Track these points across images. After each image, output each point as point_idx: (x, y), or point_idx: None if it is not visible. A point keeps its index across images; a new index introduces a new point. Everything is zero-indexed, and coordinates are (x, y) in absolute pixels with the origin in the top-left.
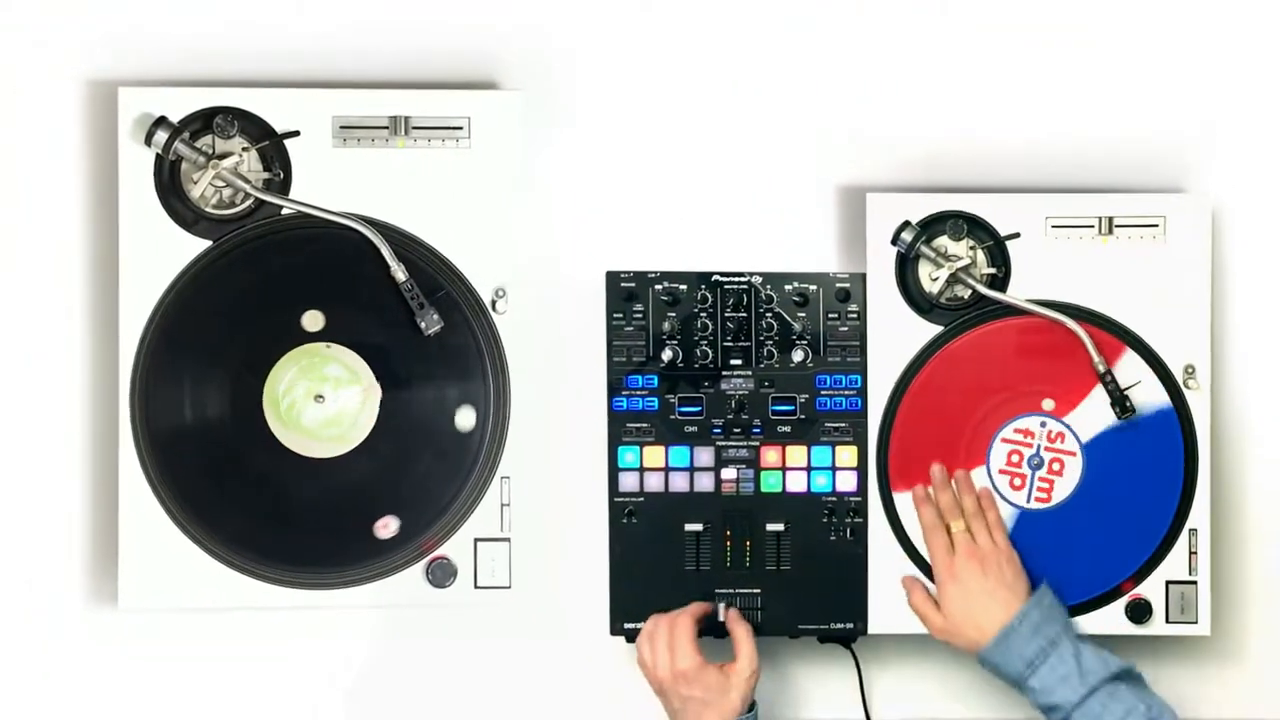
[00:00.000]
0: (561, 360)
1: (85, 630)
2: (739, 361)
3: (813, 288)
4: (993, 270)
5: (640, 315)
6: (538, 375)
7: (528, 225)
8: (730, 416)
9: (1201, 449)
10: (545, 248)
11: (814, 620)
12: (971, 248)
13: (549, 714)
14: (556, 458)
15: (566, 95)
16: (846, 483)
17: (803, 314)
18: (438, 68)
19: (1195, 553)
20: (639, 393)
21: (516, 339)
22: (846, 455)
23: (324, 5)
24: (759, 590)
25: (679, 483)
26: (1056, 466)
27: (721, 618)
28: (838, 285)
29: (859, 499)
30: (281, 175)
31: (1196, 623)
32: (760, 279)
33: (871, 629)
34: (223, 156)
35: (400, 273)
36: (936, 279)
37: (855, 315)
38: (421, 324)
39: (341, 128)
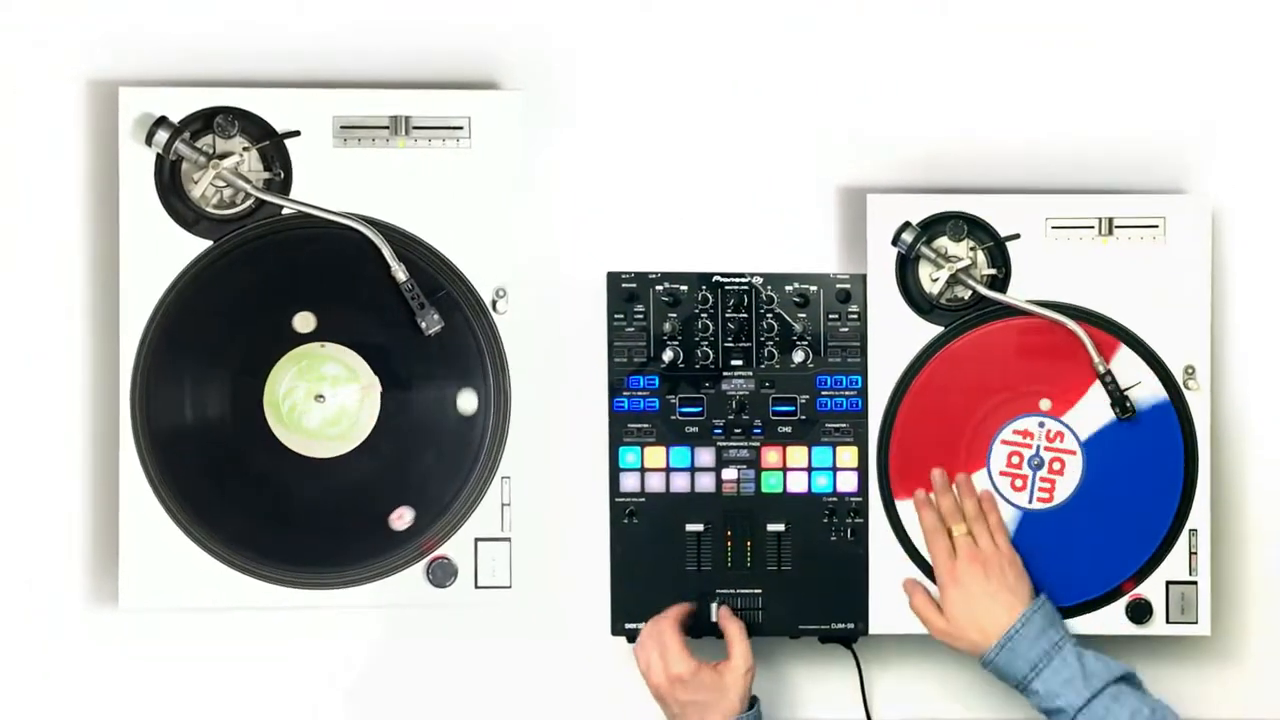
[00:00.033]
0: (562, 360)
1: (86, 630)
2: (740, 362)
3: (813, 288)
4: (993, 271)
5: (641, 316)
6: (538, 375)
7: (528, 225)
8: (731, 417)
9: (1201, 449)
10: (546, 248)
11: (815, 620)
12: (972, 248)
13: (549, 714)
14: (557, 457)
15: (566, 95)
16: (847, 483)
17: (803, 315)
18: (438, 68)
19: (1195, 553)
20: (640, 393)
21: (517, 339)
22: (847, 456)
23: (324, 5)
24: (760, 590)
25: (680, 483)
26: (1057, 466)
27: (715, 618)
28: (838, 286)
29: (859, 499)
30: (282, 175)
31: (1197, 623)
32: (761, 280)
33: (872, 629)
34: (223, 156)
35: (401, 273)
36: (937, 280)
37: (856, 316)
38: (422, 324)
39: (342, 128)
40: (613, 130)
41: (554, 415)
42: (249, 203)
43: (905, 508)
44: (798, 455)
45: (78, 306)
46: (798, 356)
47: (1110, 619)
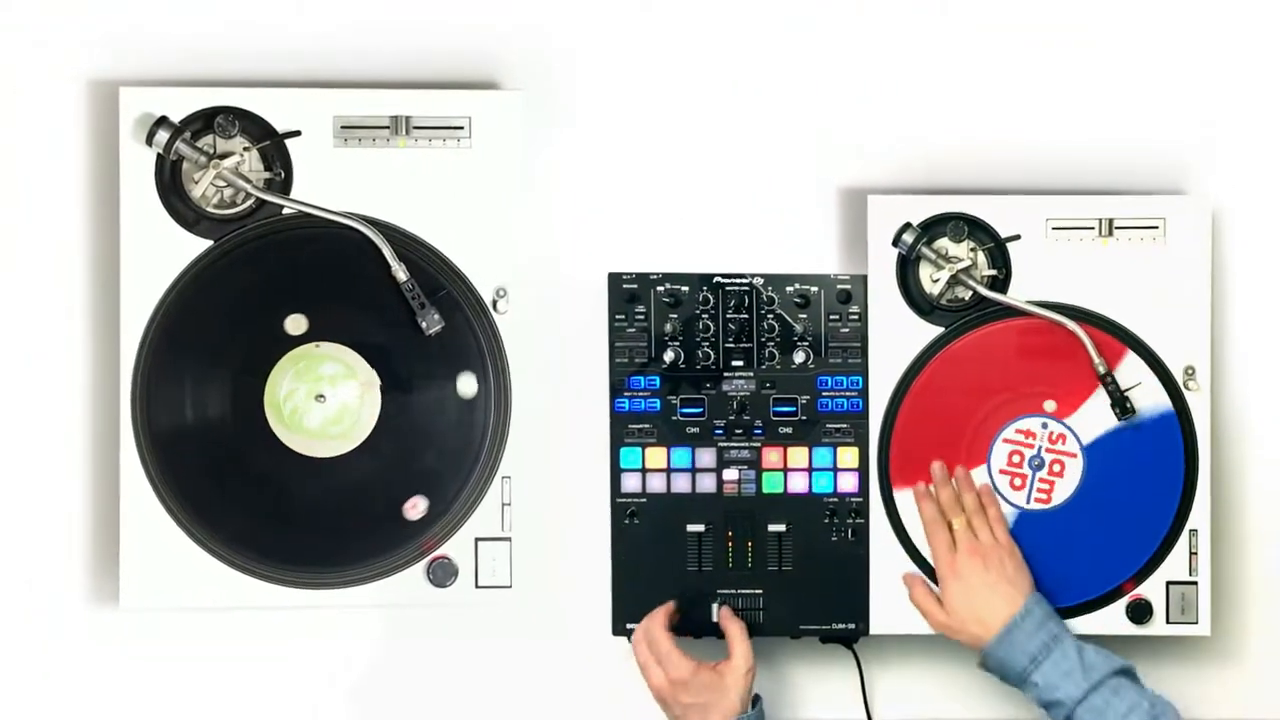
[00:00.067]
0: (562, 359)
1: (86, 630)
2: (741, 363)
3: (814, 289)
4: (993, 272)
5: (642, 317)
6: (539, 374)
7: (529, 225)
8: (732, 418)
9: (1201, 449)
10: (546, 248)
11: (815, 621)
12: (972, 249)
13: (550, 714)
14: (557, 457)
15: (567, 95)
16: (848, 484)
17: (804, 315)
18: (438, 68)
19: (1195, 553)
20: (641, 394)
21: (517, 338)
22: (848, 456)
23: (324, 5)
24: (761, 591)
25: (681, 484)
26: (1057, 468)
27: (716, 618)
28: (839, 287)
29: (860, 500)
30: (282, 175)
31: (1197, 623)
32: (762, 280)
33: (873, 629)
34: (224, 156)
35: (401, 273)
36: (937, 280)
37: (856, 317)
38: (423, 324)
39: (342, 128)
40: (613, 130)
41: (554, 415)
42: (249, 203)
43: (904, 498)
44: (798, 456)
45: (78, 306)
46: (798, 357)
47: (1110, 619)
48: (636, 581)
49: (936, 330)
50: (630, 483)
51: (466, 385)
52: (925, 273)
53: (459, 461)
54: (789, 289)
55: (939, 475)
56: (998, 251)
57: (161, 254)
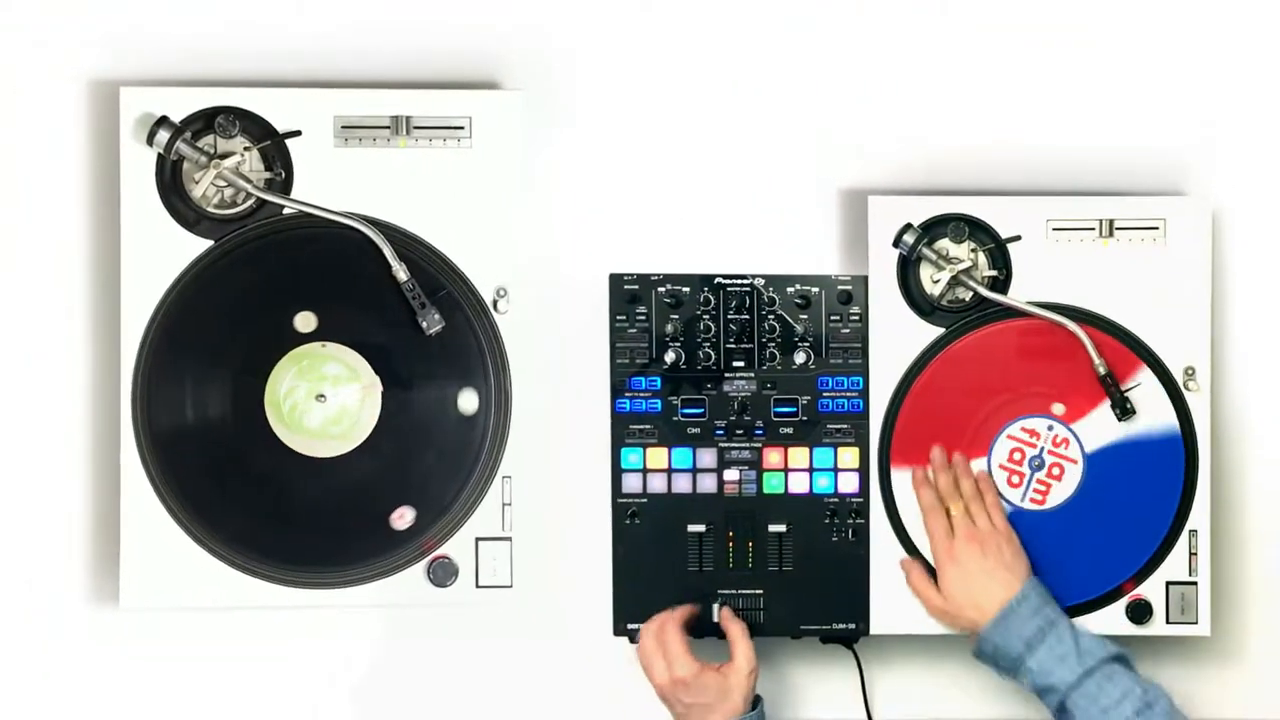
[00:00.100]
0: (563, 359)
1: (86, 629)
2: (741, 363)
3: (815, 290)
4: (994, 273)
5: (643, 317)
6: (539, 374)
7: (529, 225)
8: (733, 418)
9: (1202, 450)
10: (546, 248)
11: (816, 621)
12: (973, 250)
13: (550, 714)
14: (558, 457)
15: (567, 95)
16: (848, 484)
17: (805, 316)
18: (439, 68)
19: (1195, 554)
20: (642, 394)
21: (518, 338)
22: (848, 457)
23: (325, 5)
24: (761, 591)
25: (682, 484)
26: (1056, 471)
27: (716, 618)
28: (840, 287)
29: (861, 500)
30: (283, 175)
31: (1196, 623)
32: (763, 281)
33: (873, 629)
34: (224, 156)
35: (402, 272)
36: (938, 281)
37: (857, 317)
38: (423, 324)
39: (343, 127)
40: (614, 130)
41: (554, 414)
42: (250, 202)
43: (901, 479)
44: (799, 456)
45: (79, 306)
46: (799, 358)
47: (1110, 619)
48: (637, 582)
49: (937, 331)
50: (631, 483)
51: (467, 401)
52: (926, 273)
53: (459, 461)
54: (790, 290)
55: (938, 461)
56: (998, 252)
57: (162, 254)
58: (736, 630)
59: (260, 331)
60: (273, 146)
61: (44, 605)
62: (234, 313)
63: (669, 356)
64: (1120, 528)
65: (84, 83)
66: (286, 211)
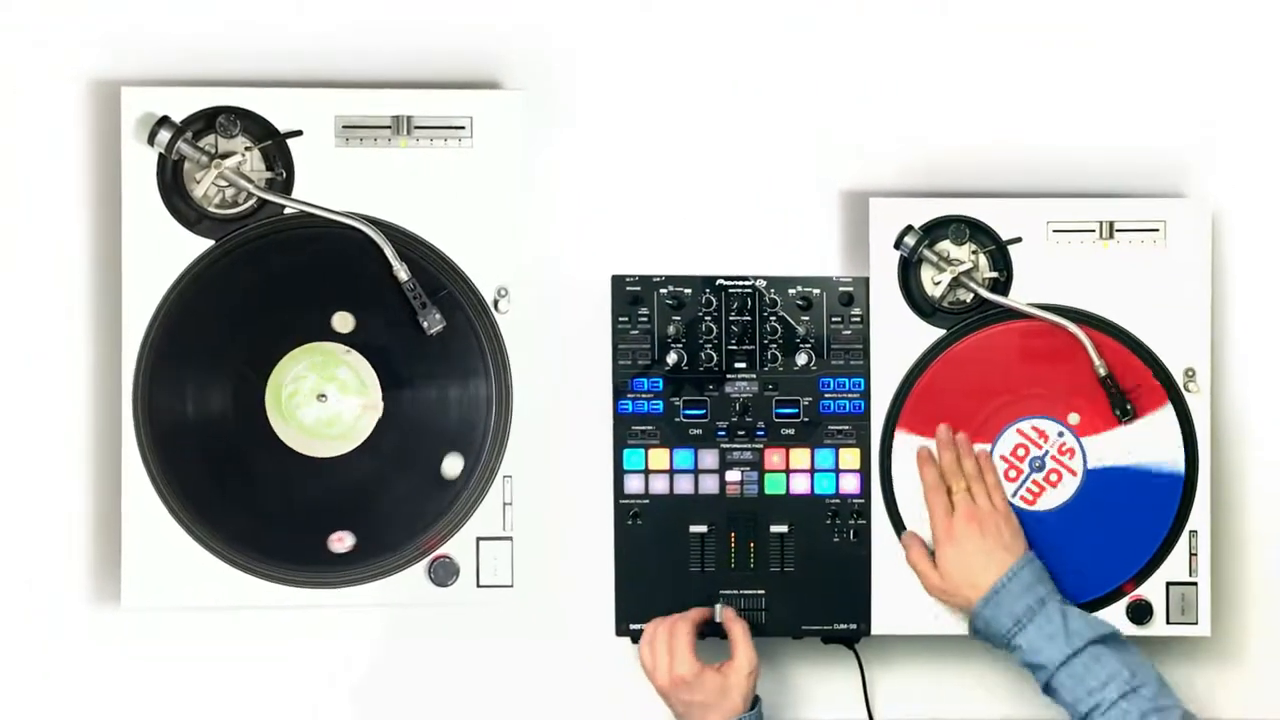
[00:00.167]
0: (564, 359)
1: (88, 629)
2: (743, 365)
3: (816, 291)
4: (995, 274)
5: (645, 319)
6: (540, 374)
7: (530, 225)
8: (734, 419)
9: (1202, 451)
10: (547, 248)
11: (817, 621)
12: (974, 252)
13: (551, 714)
14: (559, 456)
15: (568, 95)
16: (850, 485)
17: (806, 317)
18: (440, 67)
19: (1195, 554)
20: (644, 396)
21: (519, 338)
22: (850, 458)
23: (325, 5)
24: (763, 591)
25: (684, 485)
26: (1054, 478)
27: (718, 618)
28: (841, 289)
29: (862, 501)
30: (284, 175)
31: (1197, 624)
32: (764, 283)
33: (874, 630)
34: (225, 156)
35: (403, 272)
36: (939, 283)
37: (858, 319)
38: (424, 323)
39: (344, 127)
40: (614, 131)
41: (555, 414)
42: (251, 202)
43: (903, 444)
44: (801, 457)
45: (80, 306)
46: (801, 359)
47: (1111, 620)
48: (639, 582)
49: (938, 332)
50: (633, 484)
51: (451, 465)
52: (927, 275)
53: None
54: (791, 291)
55: (943, 438)
56: (999, 254)
57: (163, 254)
58: (738, 631)
59: (261, 331)
60: (274, 146)
61: (45, 605)
62: (235, 313)
63: (671, 358)
64: (1120, 528)
65: (85, 83)
66: (287, 211)
